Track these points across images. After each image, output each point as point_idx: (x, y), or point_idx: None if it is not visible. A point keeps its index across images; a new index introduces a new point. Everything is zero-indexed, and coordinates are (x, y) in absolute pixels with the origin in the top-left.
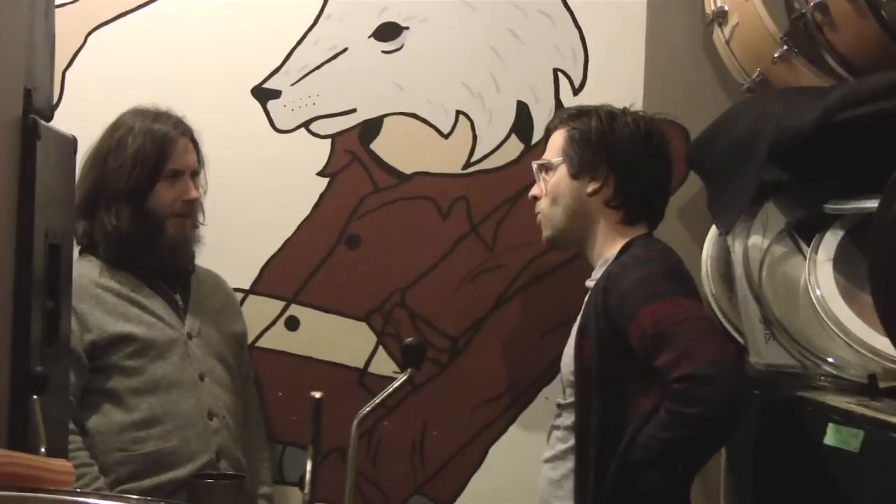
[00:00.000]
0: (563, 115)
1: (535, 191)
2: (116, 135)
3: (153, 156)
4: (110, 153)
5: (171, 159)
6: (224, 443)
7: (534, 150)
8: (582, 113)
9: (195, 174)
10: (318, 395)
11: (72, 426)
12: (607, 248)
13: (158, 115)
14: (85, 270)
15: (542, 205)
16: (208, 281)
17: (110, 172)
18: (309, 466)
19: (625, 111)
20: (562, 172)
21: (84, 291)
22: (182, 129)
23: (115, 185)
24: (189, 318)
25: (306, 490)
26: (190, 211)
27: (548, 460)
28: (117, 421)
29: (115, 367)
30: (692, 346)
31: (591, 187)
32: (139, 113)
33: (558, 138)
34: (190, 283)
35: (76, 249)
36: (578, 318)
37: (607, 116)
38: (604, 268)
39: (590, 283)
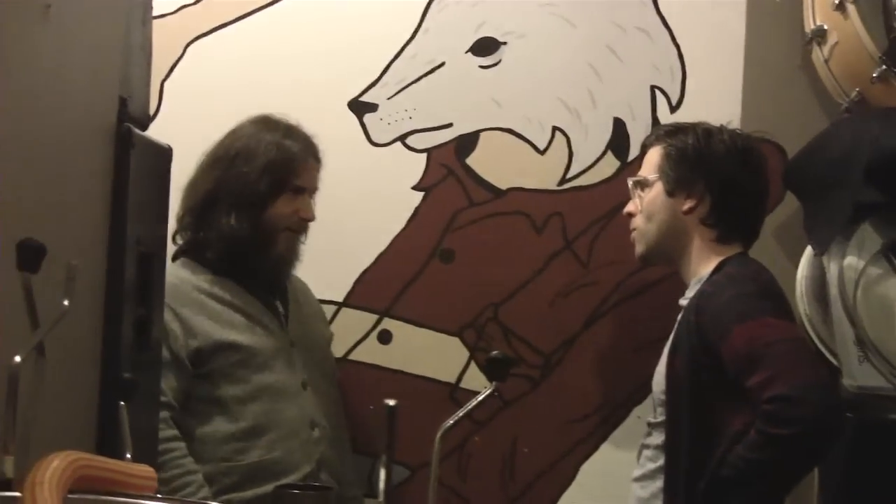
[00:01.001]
0: (659, 132)
1: (630, 207)
2: (243, 141)
3: (282, 169)
4: (238, 158)
5: (298, 176)
6: (325, 453)
7: (630, 167)
8: (679, 130)
9: (314, 193)
10: (391, 402)
11: (176, 432)
12: (702, 267)
13: (290, 130)
14: (185, 275)
15: (637, 221)
16: (300, 288)
17: (235, 177)
18: (382, 475)
19: (721, 129)
20: (657, 189)
21: (186, 297)
22: (312, 151)
23: (239, 190)
24: (291, 325)
25: (380, 498)
26: (303, 228)
27: (637, 479)
28: (221, 430)
29: (220, 375)
30: (785, 367)
31: (686, 205)
32: (268, 122)
33: (654, 155)
34: (287, 291)
35: (171, 254)
36: (671, 336)
37: (704, 134)
38: (697, 286)
39: (683, 302)
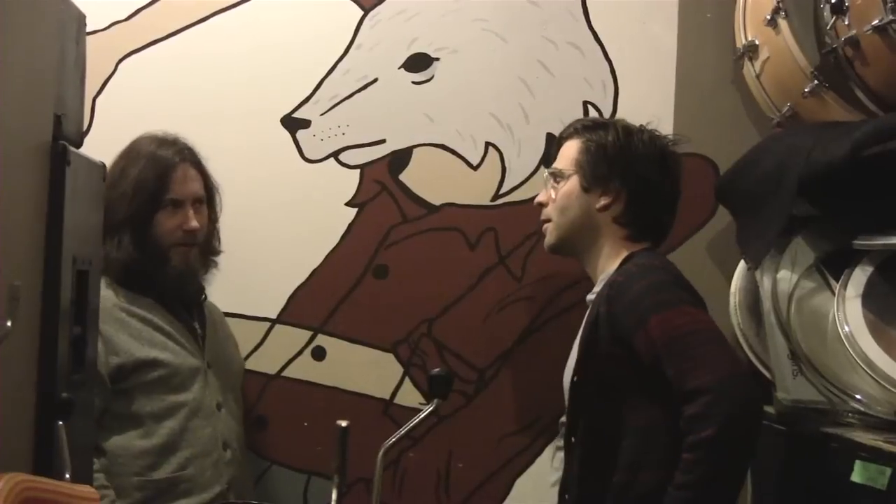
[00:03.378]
0: (577, 126)
1: (541, 197)
2: (122, 163)
3: (153, 184)
4: (115, 181)
5: (170, 188)
6: (235, 474)
7: None
8: (598, 125)
9: (199, 202)
10: (344, 423)
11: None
12: (610, 264)
13: (164, 142)
14: (105, 293)
15: (550, 212)
16: (215, 310)
17: (113, 200)
18: (334, 495)
19: (641, 128)
20: (573, 183)
21: (107, 314)
22: (184, 156)
23: (116, 213)
24: (207, 347)
25: None
26: (192, 240)
27: (556, 485)
28: (136, 445)
29: (139, 391)
30: (704, 357)
31: (602, 202)
32: (146, 138)
33: (571, 148)
34: (204, 312)
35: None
36: (580, 331)
37: (624, 132)
38: (605, 281)
39: (591, 297)
